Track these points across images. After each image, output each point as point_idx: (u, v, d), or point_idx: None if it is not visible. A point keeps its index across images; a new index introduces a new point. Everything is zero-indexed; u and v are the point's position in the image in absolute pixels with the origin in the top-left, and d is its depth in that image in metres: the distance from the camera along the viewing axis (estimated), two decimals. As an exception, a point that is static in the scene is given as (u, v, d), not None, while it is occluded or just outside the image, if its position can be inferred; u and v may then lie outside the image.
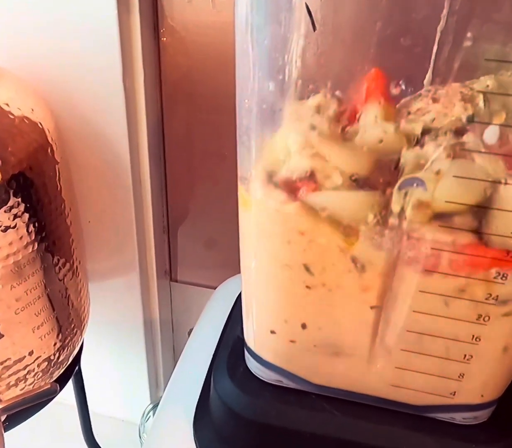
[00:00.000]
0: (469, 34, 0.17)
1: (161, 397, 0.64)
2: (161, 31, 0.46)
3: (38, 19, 0.41)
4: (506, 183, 0.20)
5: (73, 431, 0.58)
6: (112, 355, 0.63)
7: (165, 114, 0.49)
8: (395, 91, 0.19)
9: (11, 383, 0.39)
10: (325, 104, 0.21)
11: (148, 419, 0.62)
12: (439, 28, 0.17)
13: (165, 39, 0.46)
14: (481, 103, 0.18)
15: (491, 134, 0.18)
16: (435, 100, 0.18)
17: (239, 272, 0.29)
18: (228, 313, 0.41)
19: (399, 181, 0.21)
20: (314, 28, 0.19)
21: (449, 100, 0.18)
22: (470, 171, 0.20)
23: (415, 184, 0.21)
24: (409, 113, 0.19)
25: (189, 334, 0.63)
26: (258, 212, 0.24)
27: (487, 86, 0.17)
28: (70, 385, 0.50)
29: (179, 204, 0.55)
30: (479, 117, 0.18)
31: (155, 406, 0.63)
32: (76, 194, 0.49)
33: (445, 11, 0.17)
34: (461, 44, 0.17)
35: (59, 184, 0.40)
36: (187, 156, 0.52)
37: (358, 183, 0.22)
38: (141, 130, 0.47)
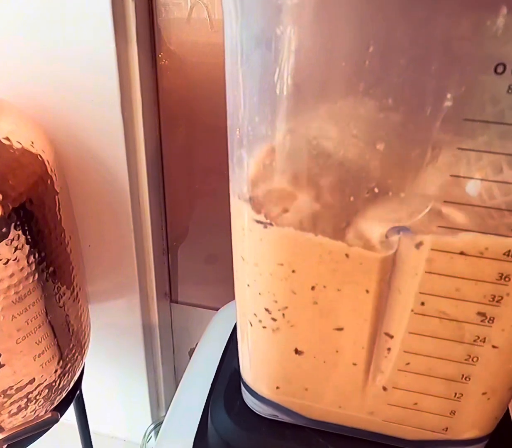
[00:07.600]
0: (448, 95, 0.18)
1: (163, 417, 0.64)
2: (159, 55, 0.47)
3: (37, 52, 0.41)
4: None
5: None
6: (113, 375, 0.63)
7: (164, 136, 0.50)
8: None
9: (12, 411, 0.40)
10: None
11: (149, 439, 0.62)
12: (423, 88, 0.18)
13: (163, 62, 0.47)
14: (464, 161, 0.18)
15: (472, 187, 0.19)
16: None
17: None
18: (227, 338, 0.41)
19: (387, 229, 0.21)
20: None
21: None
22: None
23: (401, 232, 0.21)
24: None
25: (190, 354, 0.64)
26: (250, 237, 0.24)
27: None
28: (71, 405, 0.50)
29: (179, 225, 0.55)
30: (461, 172, 0.19)
31: (156, 426, 0.63)
32: (76, 220, 0.50)
33: (427, 72, 0.17)
34: (441, 104, 0.18)
35: (59, 214, 0.40)
36: (186, 178, 0.52)
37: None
38: (140, 155, 0.47)
